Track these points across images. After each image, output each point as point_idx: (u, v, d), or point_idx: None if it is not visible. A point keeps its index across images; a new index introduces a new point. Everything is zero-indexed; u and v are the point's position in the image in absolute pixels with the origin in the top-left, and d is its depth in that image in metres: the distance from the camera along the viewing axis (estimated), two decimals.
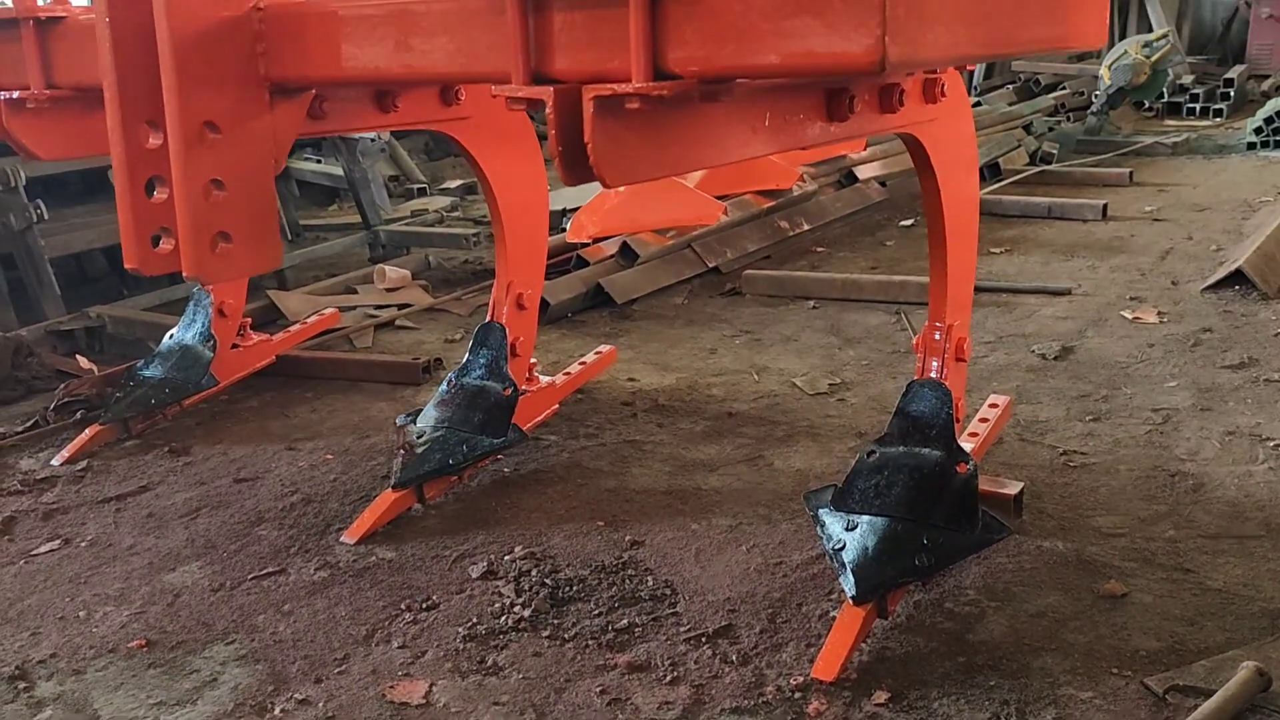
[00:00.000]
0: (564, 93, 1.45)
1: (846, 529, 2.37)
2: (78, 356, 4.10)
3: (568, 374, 3.59)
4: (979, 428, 2.94)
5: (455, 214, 7.32)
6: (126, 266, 1.84)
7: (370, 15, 1.73)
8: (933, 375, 2.61)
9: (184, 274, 1.79)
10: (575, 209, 5.64)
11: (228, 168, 1.77)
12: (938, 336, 2.61)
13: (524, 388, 3.26)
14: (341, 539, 2.80)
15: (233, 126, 1.76)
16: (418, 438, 3.02)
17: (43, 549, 2.84)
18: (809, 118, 1.79)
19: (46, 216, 4.46)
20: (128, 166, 1.78)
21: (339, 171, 6.56)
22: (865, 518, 2.37)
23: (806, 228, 5.93)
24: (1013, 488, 2.74)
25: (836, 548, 2.35)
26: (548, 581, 2.54)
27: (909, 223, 6.19)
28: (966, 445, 2.74)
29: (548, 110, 1.46)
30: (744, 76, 1.46)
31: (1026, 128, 8.41)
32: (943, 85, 2.21)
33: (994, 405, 3.07)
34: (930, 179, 2.38)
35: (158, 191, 1.82)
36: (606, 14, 1.42)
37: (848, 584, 2.25)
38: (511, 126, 2.86)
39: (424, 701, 2.15)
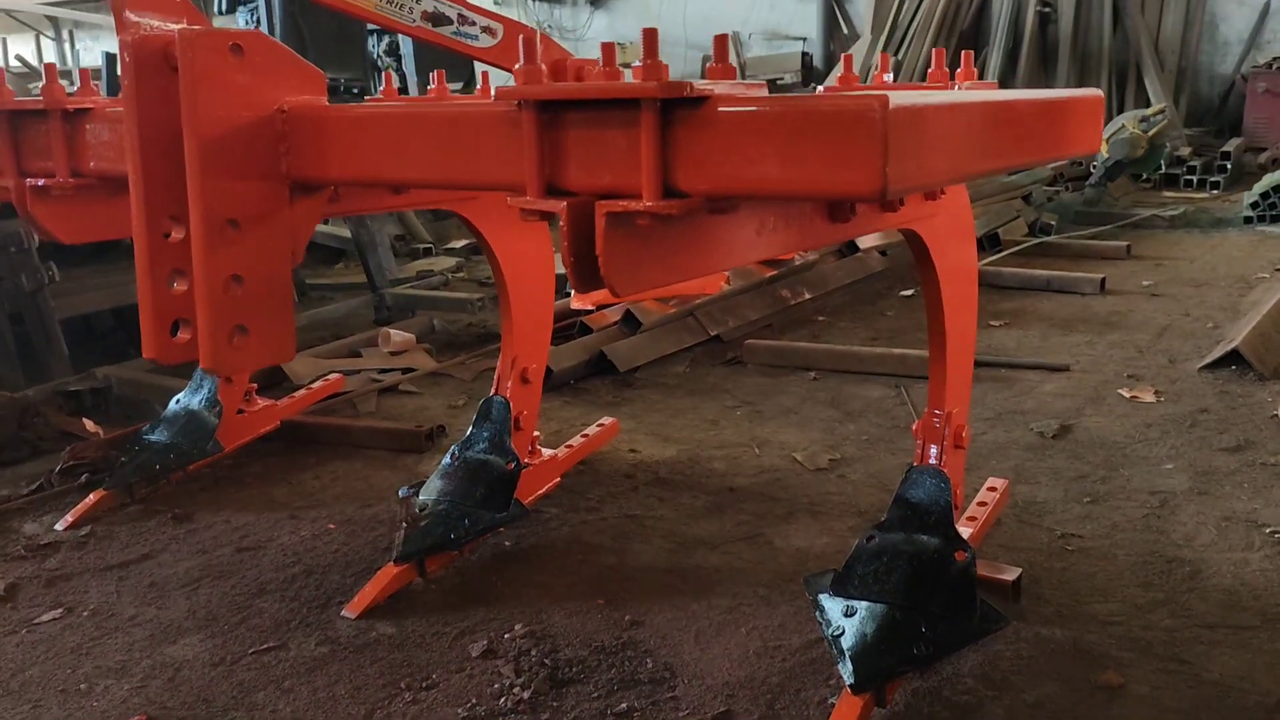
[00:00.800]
0: (577, 206, 1.50)
1: (845, 615, 2.39)
2: (84, 420, 4.13)
3: (570, 447, 3.63)
4: (977, 512, 2.97)
5: (460, 274, 7.41)
6: (145, 356, 1.88)
7: (390, 121, 1.79)
8: (932, 462, 2.64)
9: (201, 366, 1.83)
10: None
11: (248, 263, 1.82)
12: (937, 423, 2.64)
13: (526, 461, 3.29)
14: (343, 613, 2.81)
15: (254, 223, 1.82)
16: (420, 510, 3.04)
17: (45, 617, 2.85)
18: (812, 220, 1.84)
19: (58, 278, 4.52)
20: (150, 260, 1.83)
21: (347, 234, 6.66)
22: (864, 604, 2.39)
23: (808, 297, 6.00)
24: (1011, 573, 2.77)
25: (835, 634, 2.36)
26: (547, 661, 2.55)
27: (909, 293, 6.26)
28: (965, 530, 2.77)
29: (560, 223, 1.51)
30: (749, 197, 1.51)
31: (1025, 198, 8.53)
32: None
33: (992, 489, 3.10)
34: (930, 272, 2.43)
35: (177, 284, 1.87)
36: (619, 134, 1.47)
37: (846, 671, 2.26)
38: None
39: None
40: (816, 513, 3.37)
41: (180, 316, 1.88)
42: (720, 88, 1.43)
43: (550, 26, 16.98)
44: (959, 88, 2.19)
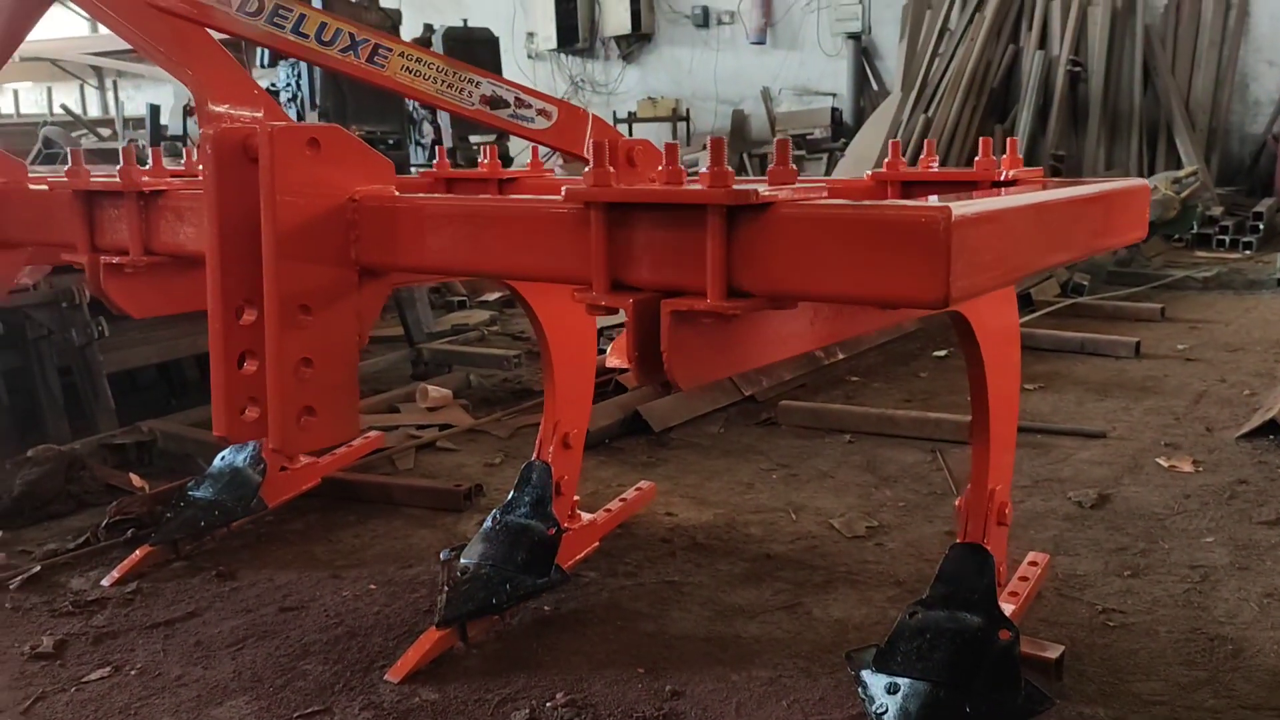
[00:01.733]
0: (642, 303, 1.55)
1: (889, 691, 2.40)
2: (130, 474, 4.20)
3: (608, 511, 3.66)
4: (1019, 587, 2.97)
5: (494, 328, 7.50)
6: (216, 434, 1.94)
7: (457, 213, 1.85)
8: (974, 539, 2.65)
9: (270, 446, 1.89)
10: (614, 326, 5.77)
11: (317, 346, 1.88)
12: (979, 500, 2.66)
13: (566, 525, 3.32)
14: (385, 677, 2.83)
15: (324, 308, 1.88)
16: (462, 574, 3.07)
17: (93, 676, 2.89)
18: (864, 309, 1.89)
19: (107, 333, 4.62)
20: (224, 342, 1.89)
21: None
22: (907, 681, 2.40)
23: (841, 357, 6.03)
24: (1053, 651, 2.76)
25: (879, 711, 2.37)
26: None
27: (942, 353, 6.27)
28: (1007, 606, 2.77)
29: (625, 318, 1.56)
30: (810, 300, 1.56)
31: None
32: None
33: (1033, 564, 3.10)
34: (975, 352, 2.46)
35: (247, 364, 1.93)
36: (685, 234, 1.53)
37: None
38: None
39: None
40: (855, 582, 3.37)
41: (250, 396, 1.94)
42: (783, 193, 1.48)
43: (583, 80, 17.25)
44: (1006, 174, 2.24)
